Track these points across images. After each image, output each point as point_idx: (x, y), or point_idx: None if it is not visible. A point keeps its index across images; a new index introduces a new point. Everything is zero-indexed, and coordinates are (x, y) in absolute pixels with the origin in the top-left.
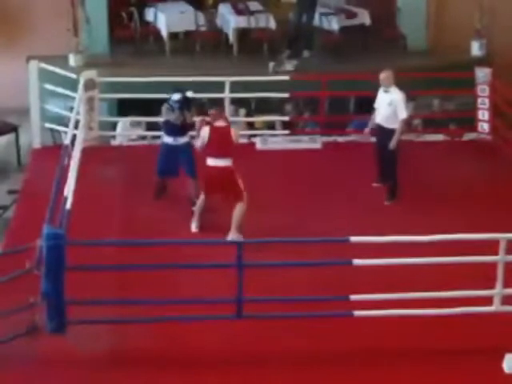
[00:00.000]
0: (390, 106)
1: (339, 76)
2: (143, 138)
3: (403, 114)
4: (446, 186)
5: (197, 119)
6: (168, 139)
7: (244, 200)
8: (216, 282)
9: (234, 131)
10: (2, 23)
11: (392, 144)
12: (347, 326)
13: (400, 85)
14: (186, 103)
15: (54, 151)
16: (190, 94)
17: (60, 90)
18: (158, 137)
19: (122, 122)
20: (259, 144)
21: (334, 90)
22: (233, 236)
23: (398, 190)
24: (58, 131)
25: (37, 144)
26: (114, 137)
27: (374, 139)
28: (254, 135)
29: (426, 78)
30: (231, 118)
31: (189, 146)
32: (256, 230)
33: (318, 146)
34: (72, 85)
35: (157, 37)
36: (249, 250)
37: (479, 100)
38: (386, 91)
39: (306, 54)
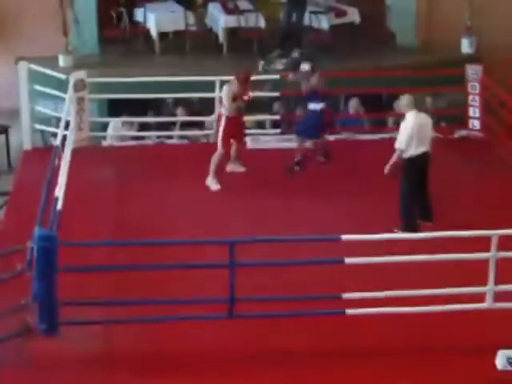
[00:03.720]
0: None
1: (329, 74)
2: (135, 137)
3: (397, 143)
4: (436, 184)
5: None
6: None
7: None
8: (209, 281)
9: None
10: None
11: (385, 169)
12: (340, 325)
13: (390, 82)
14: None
15: (45, 152)
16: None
17: (50, 90)
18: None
19: (114, 123)
20: (250, 143)
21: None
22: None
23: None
24: (48, 132)
25: (27, 145)
26: (104, 137)
27: None
28: (245, 134)
29: (417, 76)
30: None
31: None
32: (248, 228)
33: (308, 145)
34: (62, 85)
35: (146, 37)
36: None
37: (470, 97)
38: None
39: (295, 52)
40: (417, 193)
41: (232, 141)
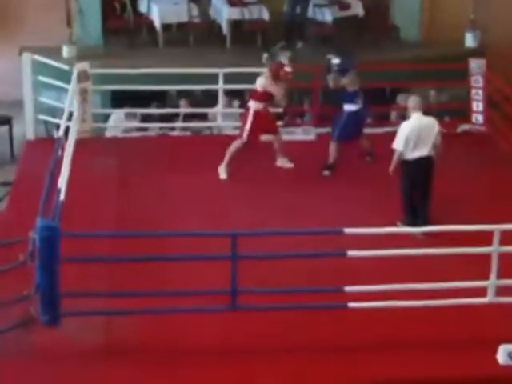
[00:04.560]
0: None
1: None
2: (138, 129)
3: (394, 143)
4: (439, 178)
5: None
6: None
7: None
8: (212, 273)
9: None
10: None
11: (389, 170)
12: (342, 318)
13: (393, 76)
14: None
15: (48, 143)
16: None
17: (53, 81)
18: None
19: (116, 114)
20: None
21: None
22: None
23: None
24: (51, 123)
25: (30, 136)
26: (107, 128)
27: None
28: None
29: (420, 70)
30: (224, 110)
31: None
32: (251, 220)
33: (312, 137)
34: (65, 76)
35: (150, 28)
36: None
37: (473, 91)
38: None
39: (299, 45)
40: (417, 192)
41: (260, 135)
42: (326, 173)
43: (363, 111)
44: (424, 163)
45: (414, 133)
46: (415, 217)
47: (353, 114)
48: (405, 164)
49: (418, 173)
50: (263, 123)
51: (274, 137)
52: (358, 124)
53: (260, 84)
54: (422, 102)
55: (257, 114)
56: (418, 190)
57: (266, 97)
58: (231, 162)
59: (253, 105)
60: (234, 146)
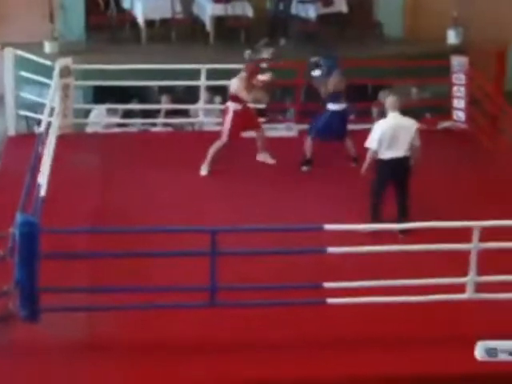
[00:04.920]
0: None
1: None
2: (119, 125)
3: (367, 142)
4: (420, 175)
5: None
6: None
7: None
8: (194, 269)
9: None
10: None
11: (362, 169)
12: (321, 314)
13: (376, 73)
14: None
15: (29, 139)
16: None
17: (35, 77)
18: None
19: (97, 110)
20: None
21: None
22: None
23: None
24: (32, 119)
25: (11, 131)
26: (88, 124)
27: None
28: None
29: (403, 66)
30: (206, 106)
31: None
32: (233, 216)
33: (294, 133)
34: (47, 72)
35: (133, 24)
36: None
37: (455, 88)
38: None
39: (282, 41)
40: (384, 194)
41: (241, 133)
42: (305, 168)
43: (347, 111)
44: (398, 164)
45: (388, 132)
46: (376, 218)
47: (336, 114)
48: (378, 163)
49: (391, 173)
50: (243, 122)
51: (256, 133)
52: (340, 124)
53: (233, 87)
54: (399, 101)
55: (235, 114)
56: (397, 191)
57: (240, 98)
58: (212, 161)
59: (231, 105)
60: (215, 146)
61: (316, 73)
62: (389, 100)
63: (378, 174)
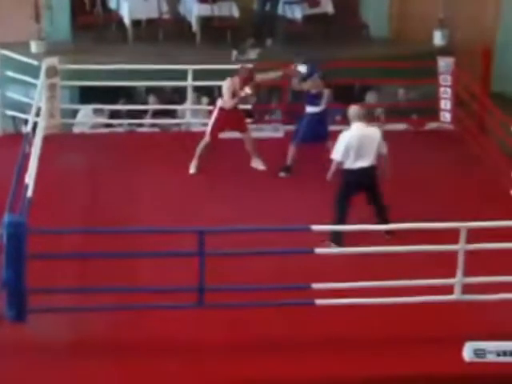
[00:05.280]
0: None
1: None
2: (106, 125)
3: (332, 153)
4: (407, 176)
5: None
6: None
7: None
8: (182, 269)
9: None
10: None
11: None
12: (309, 315)
13: (362, 74)
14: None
15: (16, 139)
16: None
17: (21, 76)
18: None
19: (84, 110)
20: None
21: None
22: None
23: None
24: (19, 118)
25: None
26: (75, 124)
27: None
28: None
29: (389, 67)
30: (193, 107)
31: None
32: (221, 217)
33: (280, 134)
34: (34, 72)
35: (119, 24)
36: None
37: (441, 89)
38: None
39: (269, 42)
40: (349, 205)
41: (222, 132)
42: (282, 174)
43: (325, 113)
44: (365, 173)
45: (353, 143)
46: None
47: (315, 116)
48: (345, 173)
49: (359, 183)
50: (228, 121)
51: (243, 135)
52: (319, 125)
53: (223, 87)
54: (363, 111)
55: (220, 112)
56: (369, 197)
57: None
58: (200, 159)
59: (219, 102)
60: (201, 144)
61: (302, 68)
62: (352, 111)
63: (345, 184)
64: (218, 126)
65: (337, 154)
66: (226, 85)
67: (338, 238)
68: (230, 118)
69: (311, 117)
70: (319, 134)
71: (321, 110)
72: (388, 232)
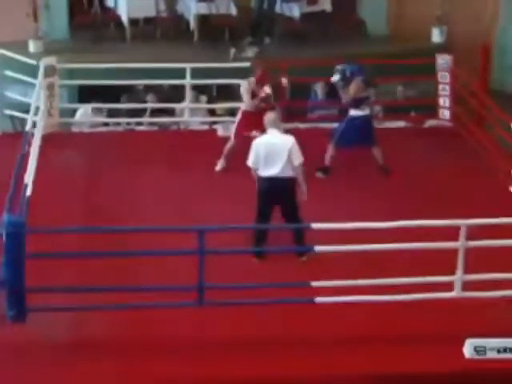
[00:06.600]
0: None
1: (300, 62)
2: (105, 124)
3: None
4: (406, 173)
5: None
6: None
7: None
8: (183, 268)
9: None
10: None
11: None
12: (309, 313)
13: None
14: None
15: (14, 138)
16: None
17: (20, 76)
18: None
19: (83, 109)
20: (220, 131)
21: (295, 77)
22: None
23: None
24: (18, 118)
25: None
26: (74, 123)
27: None
28: (216, 122)
29: (387, 65)
30: (191, 105)
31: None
32: (218, 217)
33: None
34: (32, 71)
35: (117, 23)
36: None
37: (440, 87)
38: None
39: (267, 40)
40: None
41: (248, 133)
42: (319, 175)
43: (370, 117)
44: (275, 183)
45: (262, 150)
46: (259, 240)
47: (357, 119)
48: (258, 181)
49: (269, 192)
50: (253, 122)
51: None
52: (361, 130)
53: (242, 94)
54: (279, 119)
55: (244, 113)
56: (282, 213)
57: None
58: (226, 158)
59: (242, 106)
60: (228, 145)
61: (335, 78)
62: (268, 117)
63: (258, 192)
64: (242, 128)
65: (249, 160)
66: (243, 88)
67: (258, 250)
68: (254, 119)
69: (350, 121)
70: (360, 139)
71: (364, 114)
72: (301, 254)
